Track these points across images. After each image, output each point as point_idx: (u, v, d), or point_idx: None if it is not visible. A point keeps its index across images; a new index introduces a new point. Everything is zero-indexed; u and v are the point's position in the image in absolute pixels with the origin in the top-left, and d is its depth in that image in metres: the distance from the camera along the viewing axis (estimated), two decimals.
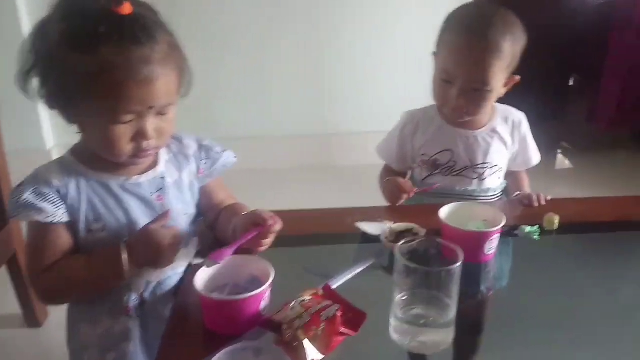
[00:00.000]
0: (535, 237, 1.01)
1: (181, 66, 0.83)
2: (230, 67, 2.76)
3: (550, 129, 3.35)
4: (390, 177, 1.22)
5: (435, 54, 1.19)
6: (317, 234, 1.03)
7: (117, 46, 0.72)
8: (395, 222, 1.01)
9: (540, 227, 1.03)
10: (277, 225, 0.87)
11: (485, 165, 1.23)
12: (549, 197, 1.16)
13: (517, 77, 1.16)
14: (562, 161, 3.21)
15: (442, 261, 0.76)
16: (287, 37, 2.75)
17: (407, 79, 2.59)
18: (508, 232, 1.02)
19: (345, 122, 2.94)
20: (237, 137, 2.84)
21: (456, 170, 1.23)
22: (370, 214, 1.06)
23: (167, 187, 0.90)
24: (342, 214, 1.08)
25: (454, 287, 0.73)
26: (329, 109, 2.93)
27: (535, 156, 1.31)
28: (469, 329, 0.82)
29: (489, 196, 1.26)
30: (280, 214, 1.07)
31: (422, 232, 0.98)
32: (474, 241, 0.92)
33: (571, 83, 3.99)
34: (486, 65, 1.07)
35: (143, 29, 0.74)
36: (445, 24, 1.14)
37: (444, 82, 1.13)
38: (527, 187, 1.31)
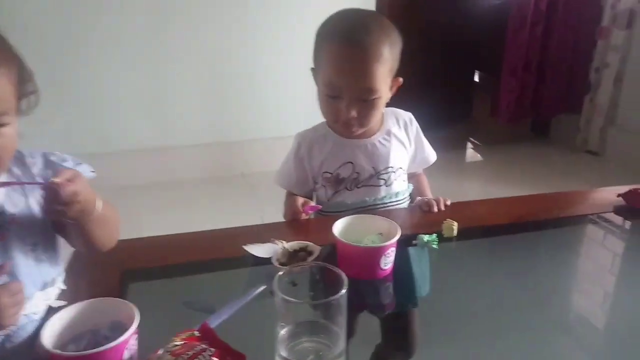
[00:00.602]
0: (434, 246, 0.96)
1: (15, 73, 0.70)
2: (123, 75, 2.58)
3: (459, 126, 3.46)
4: (290, 197, 1.15)
5: (314, 69, 1.13)
6: (200, 260, 0.93)
7: None
8: (287, 241, 0.93)
9: (439, 235, 0.99)
10: (68, 188, 0.69)
11: (389, 170, 1.18)
12: (448, 202, 1.13)
13: (400, 79, 1.12)
14: (472, 155, 3.31)
15: (329, 285, 0.69)
16: (184, 43, 2.61)
17: (309, 84, 2.54)
18: (406, 242, 0.97)
19: (251, 129, 2.85)
20: (134, 150, 2.68)
21: (361, 181, 1.17)
22: (262, 232, 0.98)
23: (9, 221, 0.76)
24: (229, 235, 0.99)
25: (341, 316, 0.66)
26: (232, 115, 2.82)
27: (432, 153, 1.29)
28: (375, 347, 0.77)
29: (399, 200, 1.21)
30: (155, 240, 0.96)
31: (317, 250, 0.91)
32: (369, 257, 0.86)
33: (476, 79, 4.15)
34: (371, 73, 1.03)
35: None
36: (320, 36, 1.08)
37: (330, 97, 1.07)
38: (427, 190, 1.29)
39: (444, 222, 1.01)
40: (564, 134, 3.22)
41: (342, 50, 1.03)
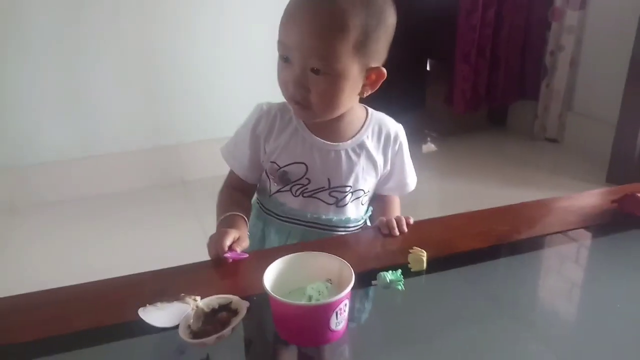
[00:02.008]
0: (399, 287, 0.74)
1: None
2: (29, 73, 2.22)
3: (413, 117, 3.27)
4: (227, 215, 0.91)
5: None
6: (89, 329, 0.67)
7: None
8: (202, 297, 0.68)
9: (405, 269, 0.77)
10: None
11: (347, 189, 0.95)
12: (411, 220, 0.91)
13: (384, 71, 0.88)
14: (428, 147, 3.14)
15: None
16: (102, 30, 2.27)
17: (253, 77, 2.30)
18: (363, 282, 0.74)
19: (189, 130, 2.56)
20: (51, 162, 2.34)
21: (309, 190, 0.95)
22: (171, 281, 0.73)
23: None
24: (128, 286, 0.73)
25: None
26: (166, 116, 2.51)
27: (412, 180, 1.05)
28: None
29: (348, 228, 0.98)
30: (25, 300, 0.71)
31: (244, 307, 0.67)
32: (314, 318, 0.63)
33: (428, 68, 3.98)
34: (324, 35, 0.80)
35: None
36: None
37: (282, 60, 0.86)
38: (396, 212, 1.04)
39: (410, 251, 0.79)
40: (522, 122, 3.09)
41: (297, 3, 0.83)
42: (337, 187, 0.94)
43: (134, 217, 2.26)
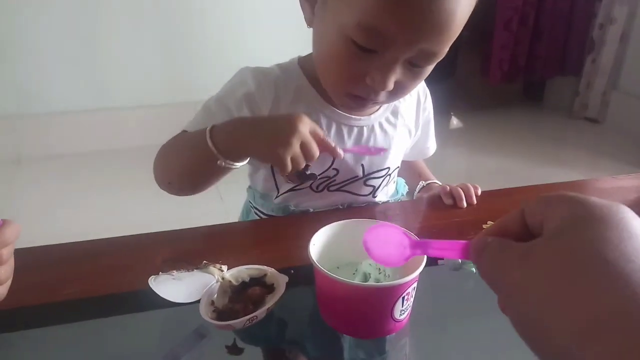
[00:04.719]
0: (473, 269, 0.60)
1: None
2: (43, 19, 2.07)
3: (441, 88, 3.09)
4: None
5: None
6: (72, 300, 0.53)
7: None
8: (229, 267, 0.54)
9: None
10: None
11: (384, 172, 0.76)
12: (479, 191, 0.76)
13: None
14: (457, 120, 2.97)
15: None
16: None
17: (276, 34, 2.14)
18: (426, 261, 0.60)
19: (208, 88, 2.39)
20: (62, 112, 2.21)
21: (337, 183, 0.74)
22: (191, 242, 0.59)
23: None
24: (130, 247, 0.59)
25: None
26: (186, 73, 2.36)
27: (434, 144, 0.89)
28: None
29: None
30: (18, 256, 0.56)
31: (281, 282, 0.53)
32: (375, 301, 0.49)
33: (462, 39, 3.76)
34: (456, 19, 0.55)
35: None
36: None
37: (359, 49, 0.57)
38: (430, 174, 0.89)
39: (485, 227, 0.64)
40: (560, 98, 2.90)
41: None
42: (374, 172, 0.75)
43: (145, 175, 2.13)
